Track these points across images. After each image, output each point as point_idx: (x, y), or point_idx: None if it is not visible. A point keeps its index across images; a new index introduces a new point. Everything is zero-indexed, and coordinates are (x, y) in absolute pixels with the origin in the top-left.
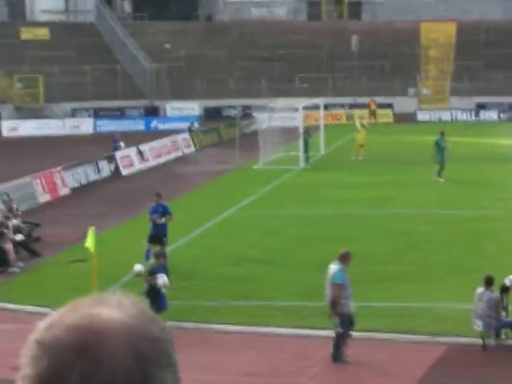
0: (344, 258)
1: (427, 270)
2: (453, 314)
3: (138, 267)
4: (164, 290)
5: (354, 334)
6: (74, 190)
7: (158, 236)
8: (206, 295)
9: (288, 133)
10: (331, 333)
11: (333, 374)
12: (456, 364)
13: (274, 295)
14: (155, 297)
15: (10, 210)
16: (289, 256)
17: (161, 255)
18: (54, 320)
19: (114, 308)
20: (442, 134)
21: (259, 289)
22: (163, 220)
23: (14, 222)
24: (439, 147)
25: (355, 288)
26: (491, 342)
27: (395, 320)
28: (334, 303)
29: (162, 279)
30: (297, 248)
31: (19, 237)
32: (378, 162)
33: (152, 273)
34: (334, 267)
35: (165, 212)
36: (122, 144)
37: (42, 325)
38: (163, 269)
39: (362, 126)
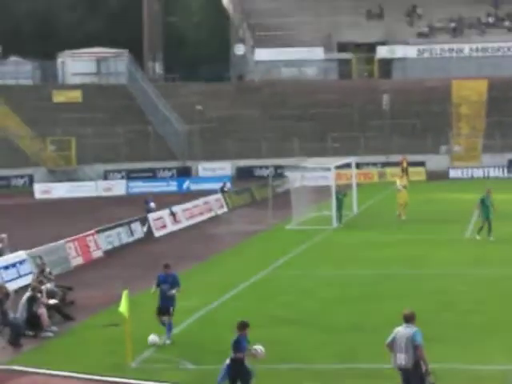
0: (413, 318)
1: (462, 331)
2: (491, 374)
3: (153, 338)
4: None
5: None
6: (106, 252)
7: (166, 307)
8: None
9: (320, 192)
10: None
11: None
12: None
13: (310, 358)
14: (239, 369)
15: (43, 273)
16: (324, 317)
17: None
18: None
19: None
20: (489, 191)
21: (294, 351)
22: (173, 292)
23: (48, 286)
24: (485, 205)
25: None
26: None
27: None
28: (420, 364)
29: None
30: (331, 308)
31: (53, 301)
32: (411, 221)
33: (237, 345)
34: (408, 330)
35: (174, 283)
36: (152, 205)
37: None
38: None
39: (403, 186)
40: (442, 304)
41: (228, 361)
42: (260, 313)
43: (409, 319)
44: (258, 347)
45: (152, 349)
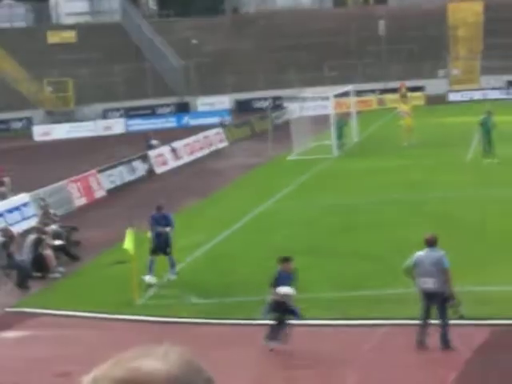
0: (436, 242)
1: (469, 253)
2: (501, 295)
3: (148, 278)
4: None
5: (402, 321)
6: (109, 191)
7: (162, 247)
8: (248, 290)
9: (320, 122)
10: (379, 322)
11: (382, 363)
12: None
13: (317, 287)
14: (284, 310)
15: (47, 215)
16: (329, 246)
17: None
18: (99, 374)
19: (158, 360)
20: (489, 113)
21: (301, 281)
22: (168, 229)
23: (53, 227)
24: (486, 127)
25: (399, 274)
26: None
27: None
28: (445, 287)
29: (283, 290)
30: (336, 237)
31: (58, 242)
32: (412, 146)
33: (277, 282)
34: (434, 253)
35: (168, 223)
36: (155, 142)
37: (86, 379)
38: (288, 277)
39: (407, 112)
40: (448, 228)
41: (270, 299)
42: (265, 245)
43: (432, 243)
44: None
45: (159, 284)
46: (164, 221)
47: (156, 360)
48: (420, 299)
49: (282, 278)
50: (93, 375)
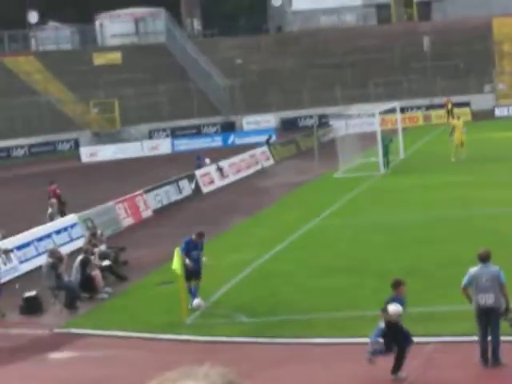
0: (489, 257)
1: None
2: None
3: (196, 302)
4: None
5: (448, 338)
6: (156, 211)
7: (197, 272)
8: (296, 309)
9: (366, 139)
10: (427, 339)
11: (431, 379)
12: None
13: (364, 305)
14: (396, 333)
15: (95, 236)
16: (376, 263)
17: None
18: None
19: (200, 380)
20: None
21: (349, 299)
22: (204, 258)
23: (101, 247)
24: None
25: (448, 290)
26: None
27: None
28: (501, 302)
29: (394, 308)
30: (383, 254)
31: (106, 262)
32: (459, 162)
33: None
34: (491, 269)
35: (202, 248)
36: (207, 161)
37: None
38: (400, 301)
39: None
40: (497, 244)
41: (382, 324)
42: (312, 263)
43: (486, 258)
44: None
45: (206, 303)
46: (196, 247)
47: (197, 380)
48: (477, 315)
49: (393, 301)
50: None
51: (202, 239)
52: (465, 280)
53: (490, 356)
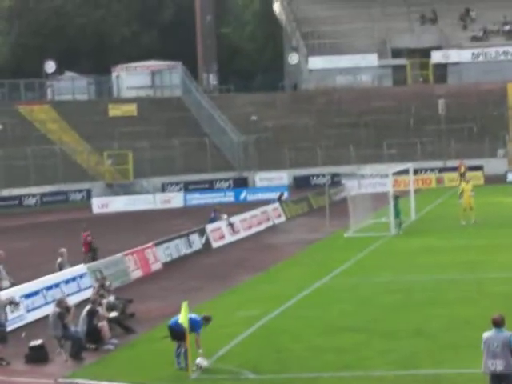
0: (503, 322)
1: None
2: None
3: (200, 361)
4: None
5: None
6: (165, 264)
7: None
8: (303, 366)
9: (378, 199)
10: None
11: None
12: None
13: (371, 365)
14: None
15: (103, 286)
16: (384, 323)
17: None
18: None
19: None
20: None
21: (355, 358)
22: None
23: (110, 299)
24: None
25: (455, 353)
26: None
27: None
28: None
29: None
30: (392, 315)
31: (113, 314)
32: (471, 225)
33: None
34: (503, 334)
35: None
36: (224, 216)
37: None
38: None
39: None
40: (507, 308)
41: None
42: (321, 321)
43: (499, 323)
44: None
45: (212, 359)
46: (199, 327)
47: None
48: (489, 379)
49: None
50: None
51: (207, 323)
52: (481, 346)
53: None
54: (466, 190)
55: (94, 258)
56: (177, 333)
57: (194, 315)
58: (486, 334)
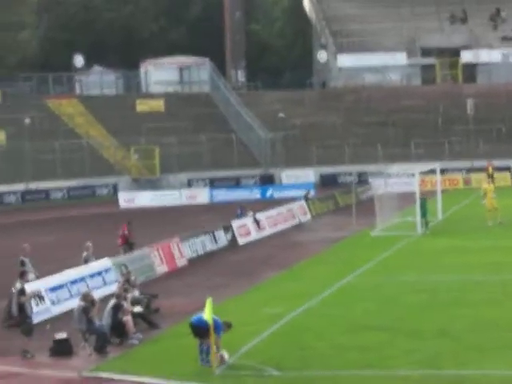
0: None
1: None
2: None
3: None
4: None
5: None
6: (191, 260)
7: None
8: (326, 364)
9: (404, 198)
10: None
11: None
12: None
13: (395, 364)
14: None
15: (129, 281)
16: (409, 323)
17: None
18: None
19: None
20: None
21: (379, 357)
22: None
23: (135, 294)
24: None
25: (480, 354)
26: None
27: None
28: None
29: None
30: (417, 314)
31: (138, 308)
32: (497, 226)
33: None
34: None
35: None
36: (250, 214)
37: None
38: None
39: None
40: None
41: None
42: (345, 319)
43: None
44: None
45: (236, 356)
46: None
47: None
48: None
49: None
50: None
51: (228, 329)
52: None
53: None
54: (488, 191)
55: (128, 252)
56: (199, 330)
57: (216, 317)
58: None
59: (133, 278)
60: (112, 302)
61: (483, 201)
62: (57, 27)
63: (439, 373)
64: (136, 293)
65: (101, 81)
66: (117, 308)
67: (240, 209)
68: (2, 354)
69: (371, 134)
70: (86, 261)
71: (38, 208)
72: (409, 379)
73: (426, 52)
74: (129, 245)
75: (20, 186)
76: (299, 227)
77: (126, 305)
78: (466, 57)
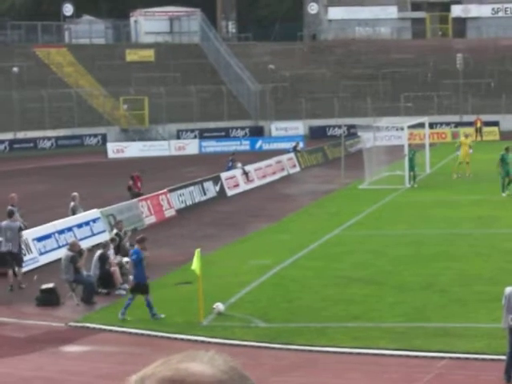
0: None
1: None
2: None
3: (221, 306)
4: None
5: (462, 355)
6: (179, 211)
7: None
8: (312, 316)
9: (393, 152)
10: (441, 355)
11: None
12: None
13: (381, 316)
14: None
15: (120, 233)
16: (395, 276)
17: None
18: (147, 373)
19: (205, 364)
20: (507, 149)
21: (365, 310)
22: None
23: (126, 244)
24: (505, 162)
25: (464, 307)
26: None
27: (503, 341)
28: None
29: None
30: (403, 268)
31: (126, 259)
32: (484, 181)
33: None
34: None
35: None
36: (239, 165)
37: (134, 378)
38: None
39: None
40: None
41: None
42: (332, 272)
43: None
44: None
45: (224, 306)
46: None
47: (203, 364)
48: (508, 333)
49: None
50: (141, 374)
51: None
52: (503, 300)
53: None
54: (463, 144)
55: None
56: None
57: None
58: (508, 288)
59: (123, 230)
60: (98, 252)
61: (457, 152)
62: None
63: (424, 325)
64: (127, 244)
65: (90, 30)
66: (103, 258)
67: (231, 161)
68: None
69: (361, 87)
70: (74, 211)
71: (26, 157)
72: (393, 331)
73: (416, 6)
74: (136, 195)
75: (8, 135)
76: (288, 179)
77: (112, 256)
78: (456, 11)
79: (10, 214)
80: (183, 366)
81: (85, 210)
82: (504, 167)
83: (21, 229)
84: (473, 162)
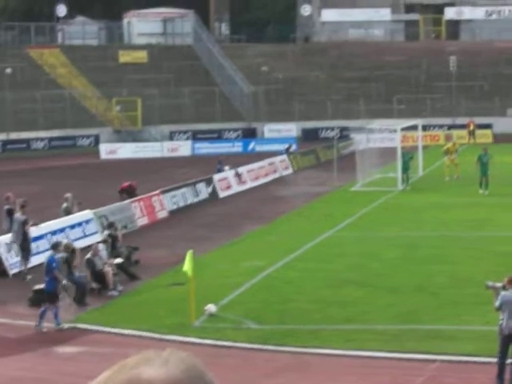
0: None
1: None
2: None
3: (210, 307)
4: None
5: (454, 358)
6: (171, 212)
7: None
8: (305, 318)
9: (386, 154)
10: (433, 357)
11: None
12: None
13: (373, 318)
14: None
15: (113, 235)
16: (388, 278)
17: None
18: (102, 381)
19: (159, 366)
20: (485, 150)
21: (358, 312)
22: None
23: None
24: (481, 162)
25: (456, 310)
26: None
27: (495, 344)
28: None
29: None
30: (396, 270)
31: (118, 260)
32: (476, 183)
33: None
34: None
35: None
36: (226, 168)
37: None
38: None
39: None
40: (508, 266)
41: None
42: (325, 274)
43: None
44: None
45: (216, 308)
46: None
47: (157, 366)
48: (502, 337)
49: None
50: (97, 381)
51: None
52: (496, 302)
53: (509, 378)
54: (449, 151)
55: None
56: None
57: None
58: (504, 293)
59: (117, 231)
60: (85, 258)
61: (445, 157)
62: None
63: (416, 327)
64: (119, 245)
65: (83, 31)
66: (89, 262)
67: (219, 163)
68: None
69: (354, 89)
70: (67, 212)
71: (19, 158)
72: (386, 333)
73: (409, 8)
74: (129, 194)
75: (1, 136)
76: (280, 181)
77: (105, 257)
78: (450, 13)
79: (10, 213)
80: (137, 371)
81: (79, 211)
82: (481, 167)
83: (26, 222)
84: (465, 164)
